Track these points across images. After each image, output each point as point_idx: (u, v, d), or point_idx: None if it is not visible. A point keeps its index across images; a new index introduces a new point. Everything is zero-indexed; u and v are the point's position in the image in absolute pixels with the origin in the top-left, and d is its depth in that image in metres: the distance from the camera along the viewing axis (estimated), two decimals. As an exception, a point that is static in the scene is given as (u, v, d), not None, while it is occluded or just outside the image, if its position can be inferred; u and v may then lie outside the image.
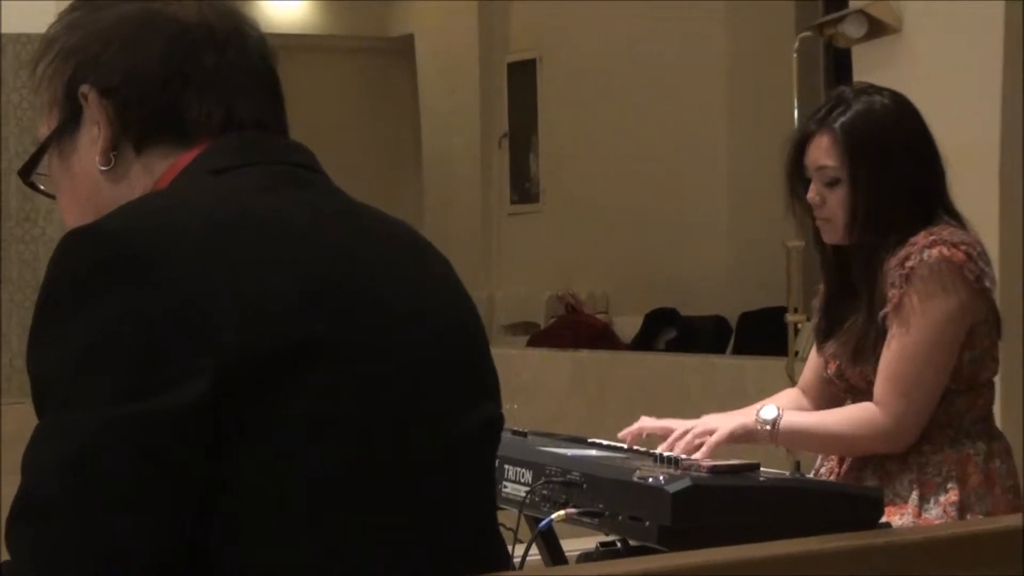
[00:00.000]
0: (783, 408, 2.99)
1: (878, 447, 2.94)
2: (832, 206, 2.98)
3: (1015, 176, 4.51)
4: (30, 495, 1.37)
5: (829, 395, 3.13)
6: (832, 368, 3.04)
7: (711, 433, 2.97)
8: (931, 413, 2.90)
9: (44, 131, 1.64)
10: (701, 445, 2.95)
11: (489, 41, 10.14)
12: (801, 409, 3.13)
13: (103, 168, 1.60)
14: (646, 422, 3.07)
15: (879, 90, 3.04)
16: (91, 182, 1.61)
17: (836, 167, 2.97)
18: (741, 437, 2.96)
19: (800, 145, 3.03)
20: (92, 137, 1.60)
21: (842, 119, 2.97)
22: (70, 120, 1.62)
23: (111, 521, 1.36)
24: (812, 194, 3.00)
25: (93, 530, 1.35)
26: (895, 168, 2.96)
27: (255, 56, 1.64)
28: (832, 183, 2.98)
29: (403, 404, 1.49)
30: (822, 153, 2.99)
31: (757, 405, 3.06)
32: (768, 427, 2.94)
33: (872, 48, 4.75)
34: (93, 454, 1.36)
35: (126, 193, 1.58)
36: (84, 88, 1.59)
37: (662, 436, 3.03)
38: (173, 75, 1.59)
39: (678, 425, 3.03)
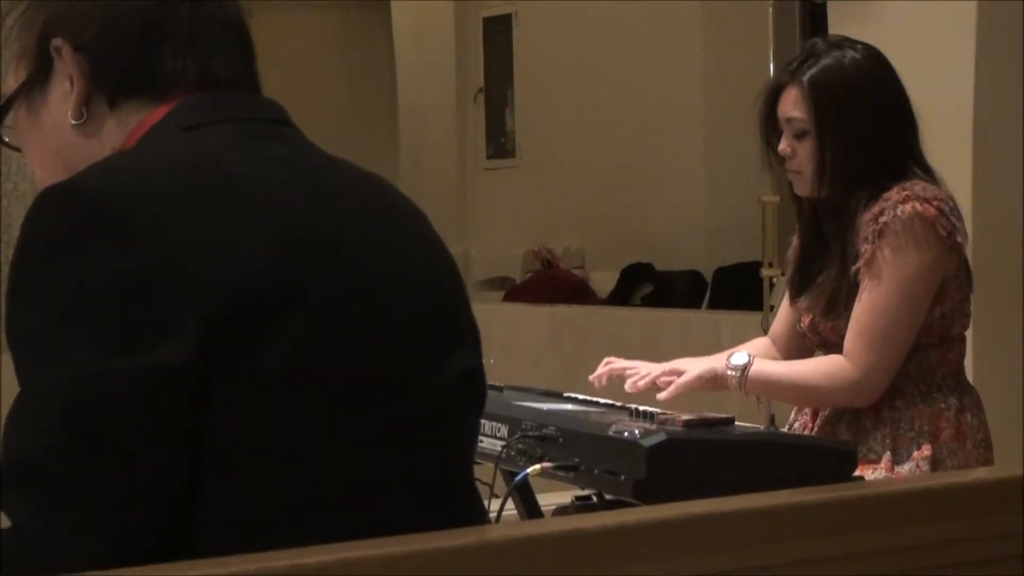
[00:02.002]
0: (754, 356, 3.01)
1: (845, 399, 2.95)
2: (801, 158, 3.00)
3: (989, 134, 4.52)
4: (23, 457, 1.37)
5: (799, 346, 3.15)
6: (806, 322, 3.05)
7: (679, 374, 2.99)
8: (899, 367, 2.92)
9: (12, 84, 1.63)
10: (667, 384, 2.98)
11: (464, -5, 10.10)
12: (770, 359, 3.15)
13: (75, 122, 1.59)
14: (614, 362, 3.09)
15: (853, 44, 3.04)
16: (62, 136, 1.61)
17: (804, 119, 2.98)
18: (709, 381, 2.97)
19: (773, 96, 3.05)
20: (64, 91, 1.60)
21: (811, 72, 2.99)
22: (40, 73, 1.61)
23: (108, 476, 1.36)
24: (783, 146, 3.02)
25: (91, 485, 1.36)
26: (860, 122, 2.97)
27: (228, 11, 1.64)
28: (801, 135, 3.00)
29: (374, 357, 1.49)
30: (791, 105, 3.00)
31: (728, 352, 3.08)
32: (737, 373, 2.95)
33: (848, 5, 4.75)
34: (85, 410, 1.36)
35: (98, 147, 1.59)
36: (57, 42, 1.59)
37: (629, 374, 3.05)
38: (148, 29, 1.58)
39: (645, 366, 3.05)
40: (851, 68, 2.99)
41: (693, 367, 3.00)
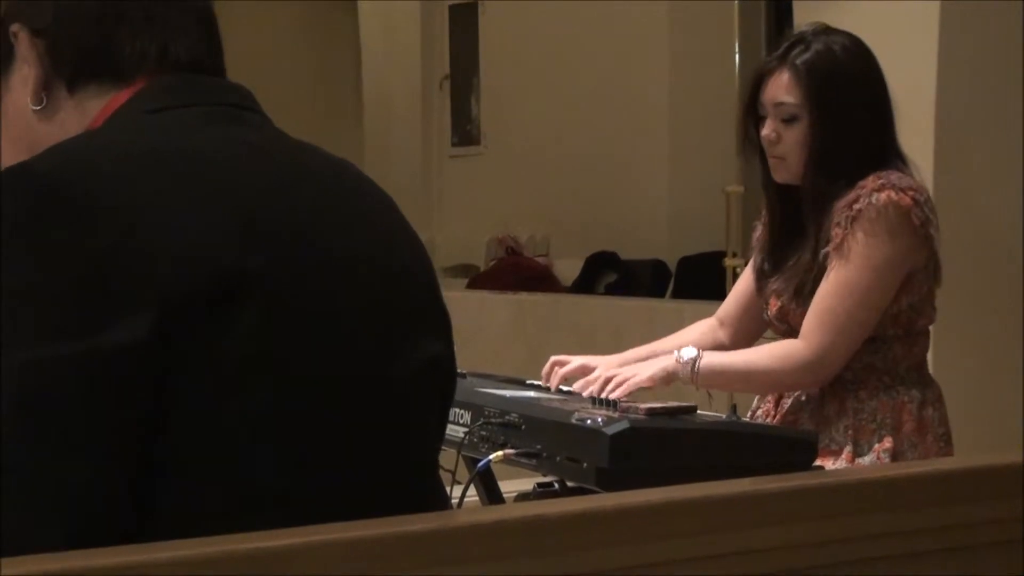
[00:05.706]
0: (701, 348, 2.97)
1: (799, 380, 2.94)
2: (788, 144, 2.98)
3: (951, 129, 4.55)
4: None
5: (749, 328, 3.14)
6: (773, 308, 3.04)
7: (589, 371, 2.98)
8: (853, 352, 2.91)
9: None
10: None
11: (431, -18, 10.09)
12: (716, 338, 3.15)
13: (35, 107, 1.60)
14: (561, 362, 3.04)
15: (837, 31, 3.04)
16: (23, 121, 1.62)
17: (796, 104, 2.96)
18: (662, 379, 2.91)
19: (757, 83, 3.03)
20: (23, 76, 1.61)
21: (804, 56, 2.96)
22: (2, 60, 1.62)
23: (65, 463, 1.35)
24: (768, 131, 2.99)
25: (48, 474, 1.34)
26: (853, 109, 2.96)
27: None
28: (790, 120, 2.98)
29: (336, 343, 1.49)
30: (782, 90, 2.98)
31: (671, 340, 3.07)
32: (688, 367, 2.90)
33: (813, 2, 4.76)
34: (39, 395, 1.35)
35: (59, 132, 1.59)
36: (15, 27, 1.60)
37: (582, 375, 3.02)
38: (106, 12, 1.59)
39: (590, 361, 3.02)
40: (842, 55, 2.98)
41: (645, 369, 2.94)
